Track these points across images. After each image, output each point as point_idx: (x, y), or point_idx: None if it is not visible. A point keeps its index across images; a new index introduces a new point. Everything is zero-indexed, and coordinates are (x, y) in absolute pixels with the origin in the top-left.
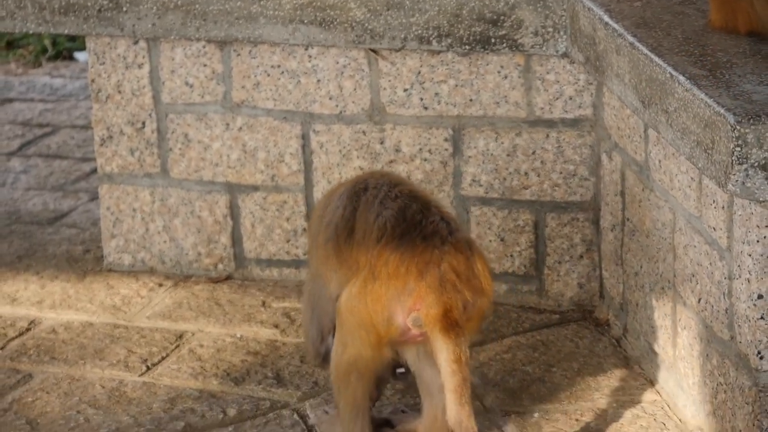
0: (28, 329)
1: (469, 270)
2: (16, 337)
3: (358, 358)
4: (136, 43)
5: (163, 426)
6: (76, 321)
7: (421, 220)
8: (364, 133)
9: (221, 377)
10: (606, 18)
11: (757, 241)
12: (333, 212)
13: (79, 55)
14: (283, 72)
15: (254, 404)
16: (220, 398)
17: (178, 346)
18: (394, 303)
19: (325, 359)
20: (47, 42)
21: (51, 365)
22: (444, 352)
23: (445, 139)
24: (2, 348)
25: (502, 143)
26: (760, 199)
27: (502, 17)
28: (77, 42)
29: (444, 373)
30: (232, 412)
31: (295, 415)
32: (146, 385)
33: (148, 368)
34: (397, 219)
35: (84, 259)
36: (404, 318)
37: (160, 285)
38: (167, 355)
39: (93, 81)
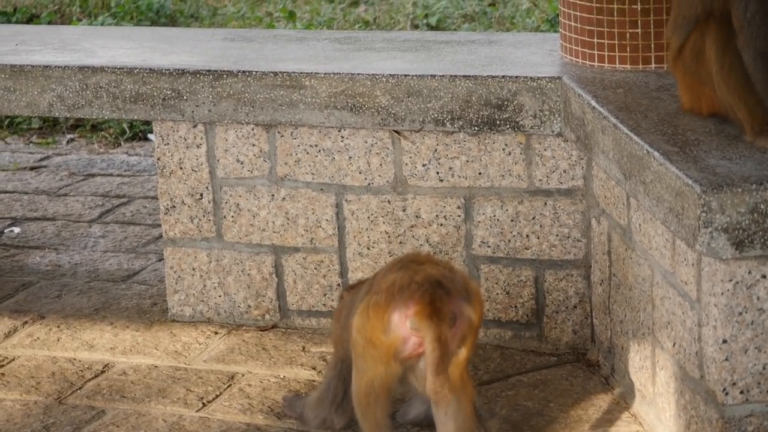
0: (102, 371)
1: (457, 281)
2: (92, 378)
3: (374, 378)
4: (195, 126)
5: None
6: (144, 364)
7: (417, 260)
8: (389, 202)
9: (266, 412)
10: (593, 103)
11: (722, 294)
12: (359, 296)
13: (152, 136)
14: (319, 150)
15: None
16: (265, 431)
17: (229, 386)
18: (392, 308)
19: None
20: (125, 125)
21: (121, 403)
22: (427, 334)
23: (458, 207)
24: (80, 388)
25: (507, 210)
26: (723, 257)
27: (505, 102)
28: (151, 125)
29: (426, 351)
30: None
31: None
32: (202, 419)
33: (204, 405)
34: (399, 261)
35: (151, 311)
36: (403, 324)
37: (216, 333)
38: (220, 394)
39: (159, 159)
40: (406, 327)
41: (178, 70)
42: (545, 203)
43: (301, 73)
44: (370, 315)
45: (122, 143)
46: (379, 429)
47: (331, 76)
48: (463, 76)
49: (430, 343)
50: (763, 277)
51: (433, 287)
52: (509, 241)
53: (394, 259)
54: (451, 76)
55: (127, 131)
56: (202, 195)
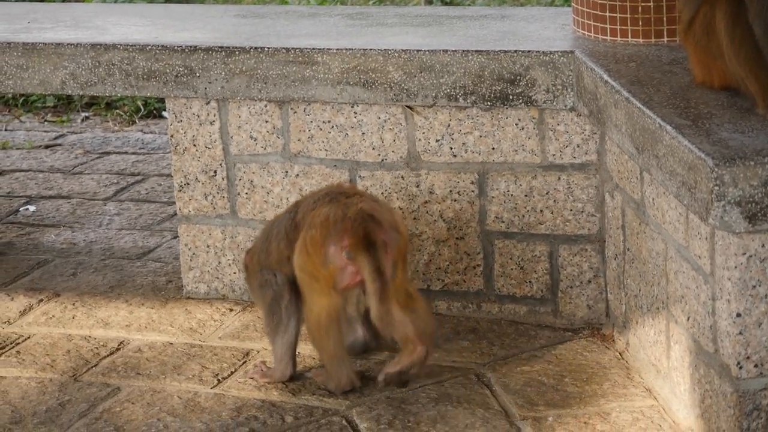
0: (117, 349)
1: (385, 212)
2: (108, 355)
3: (322, 310)
4: (208, 103)
5: (231, 431)
6: (159, 341)
7: (345, 193)
8: (402, 177)
9: (280, 389)
10: (606, 77)
11: (735, 267)
12: (280, 224)
13: (167, 114)
14: (333, 126)
15: (308, 412)
16: (280, 407)
17: (244, 362)
18: (328, 242)
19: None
20: (140, 103)
21: (136, 380)
22: (366, 266)
23: (472, 183)
24: (95, 365)
25: (521, 185)
26: (736, 231)
27: (518, 77)
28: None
29: (366, 282)
30: (289, 419)
31: (344, 421)
32: (217, 396)
33: (219, 381)
34: (327, 194)
35: (166, 289)
36: (340, 256)
37: (231, 310)
38: (235, 370)
39: (172, 136)
40: (342, 258)
41: (191, 46)
42: (559, 178)
43: (314, 49)
44: (309, 251)
45: (137, 121)
46: (337, 358)
47: (344, 51)
48: (476, 51)
49: (369, 274)
50: None
51: (365, 221)
52: (523, 216)
53: (317, 192)
54: (463, 51)
55: (142, 109)
56: (215, 172)
